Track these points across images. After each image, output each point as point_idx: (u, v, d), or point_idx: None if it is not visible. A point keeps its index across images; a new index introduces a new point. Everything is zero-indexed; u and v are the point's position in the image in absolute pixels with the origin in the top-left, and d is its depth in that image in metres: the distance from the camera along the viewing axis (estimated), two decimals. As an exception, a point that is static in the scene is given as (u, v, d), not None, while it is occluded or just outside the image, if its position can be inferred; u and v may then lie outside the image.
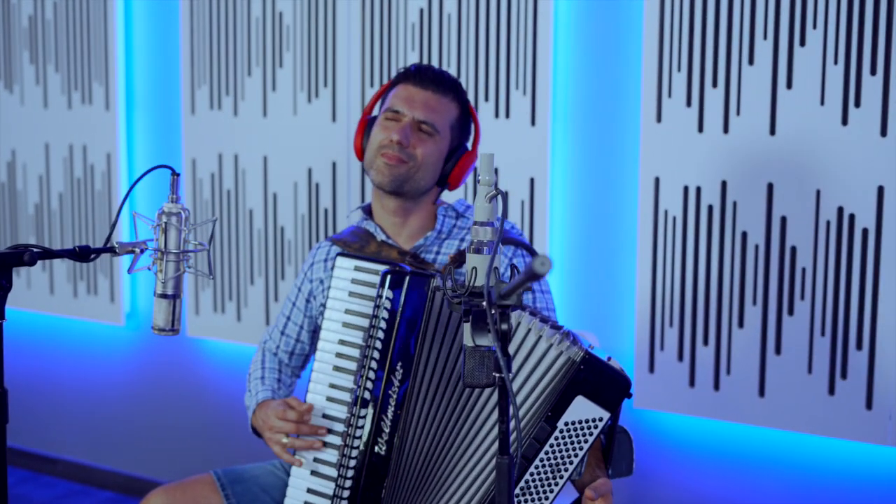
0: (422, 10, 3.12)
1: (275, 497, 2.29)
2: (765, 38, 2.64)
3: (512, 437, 1.97)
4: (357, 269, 2.17)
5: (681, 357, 2.80)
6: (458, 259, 2.30)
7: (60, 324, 3.99)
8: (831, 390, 2.62)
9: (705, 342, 2.77)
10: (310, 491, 2.13)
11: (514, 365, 1.99)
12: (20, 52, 3.92)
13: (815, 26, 2.58)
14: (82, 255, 1.81)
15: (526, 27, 2.95)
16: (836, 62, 2.56)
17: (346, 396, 2.13)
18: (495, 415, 2.01)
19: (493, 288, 1.38)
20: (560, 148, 2.96)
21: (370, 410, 2.05)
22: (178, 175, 1.90)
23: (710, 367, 2.76)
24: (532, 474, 1.99)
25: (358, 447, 2.06)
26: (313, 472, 2.13)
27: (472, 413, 2.02)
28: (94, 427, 3.97)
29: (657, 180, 2.79)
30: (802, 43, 2.60)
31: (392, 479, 2.04)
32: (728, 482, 2.82)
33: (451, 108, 2.30)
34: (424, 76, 2.29)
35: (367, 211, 2.41)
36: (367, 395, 2.05)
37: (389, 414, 2.04)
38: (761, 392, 2.70)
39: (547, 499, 1.99)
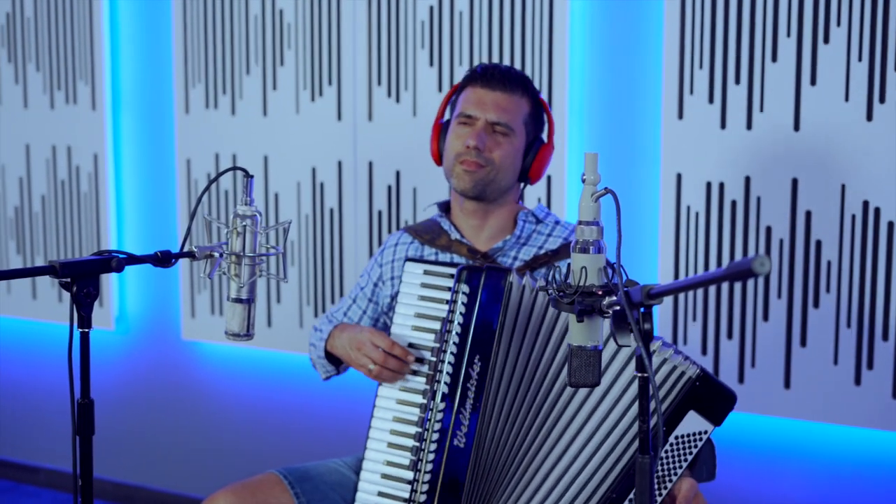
0: (431, 8, 3.10)
1: (343, 495, 2.26)
2: (788, 35, 2.67)
3: (610, 435, 1.98)
4: (427, 272, 2.17)
5: (704, 351, 2.83)
6: (530, 265, 2.29)
7: (45, 329, 3.88)
8: (857, 381, 2.67)
9: (729, 336, 2.80)
10: (384, 477, 2.12)
11: (625, 377, 2.02)
12: (-1, 51, 3.82)
13: (839, 24, 2.62)
14: (164, 260, 1.77)
15: (542, 24, 2.95)
16: (860, 59, 2.61)
17: (418, 398, 2.11)
18: (581, 409, 2.02)
19: (641, 288, 1.38)
20: (577, 145, 2.96)
21: (448, 403, 2.05)
22: (251, 177, 1.87)
23: (735, 360, 2.80)
24: None
25: (437, 440, 2.05)
26: (388, 462, 2.12)
27: (556, 406, 2.03)
28: (82, 434, 3.87)
29: (679, 176, 2.82)
30: (826, 40, 2.64)
31: (473, 472, 2.03)
32: (755, 474, 2.85)
33: (521, 104, 2.29)
34: (492, 76, 2.28)
35: (444, 208, 2.41)
36: (444, 388, 2.05)
37: (468, 406, 2.04)
38: (787, 384, 2.74)
39: None
